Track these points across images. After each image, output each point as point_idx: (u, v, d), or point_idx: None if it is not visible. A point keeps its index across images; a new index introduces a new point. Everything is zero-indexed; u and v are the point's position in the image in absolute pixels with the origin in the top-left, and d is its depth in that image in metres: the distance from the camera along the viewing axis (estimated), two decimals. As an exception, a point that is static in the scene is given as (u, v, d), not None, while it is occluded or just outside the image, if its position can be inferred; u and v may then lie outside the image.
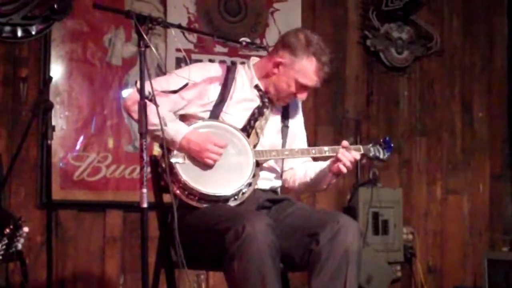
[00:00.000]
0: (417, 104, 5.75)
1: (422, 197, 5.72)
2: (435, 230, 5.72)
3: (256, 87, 3.24)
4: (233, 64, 3.35)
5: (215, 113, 3.17)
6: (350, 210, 5.20)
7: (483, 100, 5.95)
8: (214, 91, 3.19)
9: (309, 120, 5.28)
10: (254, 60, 3.32)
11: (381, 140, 3.36)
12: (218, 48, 5.01)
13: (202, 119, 3.15)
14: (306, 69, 3.17)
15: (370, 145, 3.34)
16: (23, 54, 4.62)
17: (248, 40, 3.15)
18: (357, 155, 3.18)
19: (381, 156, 3.34)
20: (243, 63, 3.39)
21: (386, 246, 5.27)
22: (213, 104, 3.17)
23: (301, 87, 3.20)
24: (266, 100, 3.24)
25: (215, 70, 3.25)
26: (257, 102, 3.23)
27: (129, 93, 3.16)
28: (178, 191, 3.01)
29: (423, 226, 5.68)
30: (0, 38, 4.53)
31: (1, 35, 4.52)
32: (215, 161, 3.04)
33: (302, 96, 3.24)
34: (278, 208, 3.16)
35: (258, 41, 5.06)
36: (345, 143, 3.19)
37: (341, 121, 5.42)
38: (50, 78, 4.34)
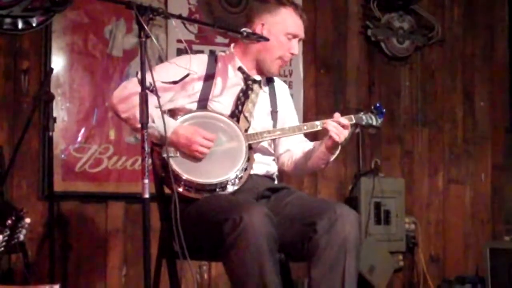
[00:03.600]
0: (419, 94, 5.74)
1: (424, 187, 5.72)
2: (437, 219, 5.72)
3: (240, 69, 3.25)
4: (213, 52, 3.34)
5: (202, 103, 3.17)
6: (352, 200, 5.20)
7: (484, 90, 5.94)
8: (198, 81, 3.19)
9: (311, 110, 5.29)
10: (234, 44, 3.33)
11: (372, 107, 3.38)
12: (219, 39, 5.00)
13: (190, 111, 3.15)
14: (288, 18, 3.23)
15: (362, 113, 3.35)
16: (24, 46, 4.61)
17: (249, 30, 3.15)
18: (344, 120, 3.17)
19: (374, 123, 3.36)
20: (223, 51, 3.40)
21: (388, 236, 5.28)
22: (198, 94, 3.18)
23: (292, 38, 3.22)
24: (250, 82, 3.24)
25: (197, 60, 3.24)
26: (241, 85, 3.24)
27: (116, 91, 3.13)
28: (175, 185, 2.96)
29: (425, 216, 5.68)
30: (0, 30, 4.52)
31: (2, 27, 4.51)
32: (204, 154, 3.04)
33: (295, 49, 3.25)
34: (277, 197, 3.16)
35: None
36: (336, 114, 3.20)
37: (342, 111, 5.32)
38: (51, 70, 4.34)
